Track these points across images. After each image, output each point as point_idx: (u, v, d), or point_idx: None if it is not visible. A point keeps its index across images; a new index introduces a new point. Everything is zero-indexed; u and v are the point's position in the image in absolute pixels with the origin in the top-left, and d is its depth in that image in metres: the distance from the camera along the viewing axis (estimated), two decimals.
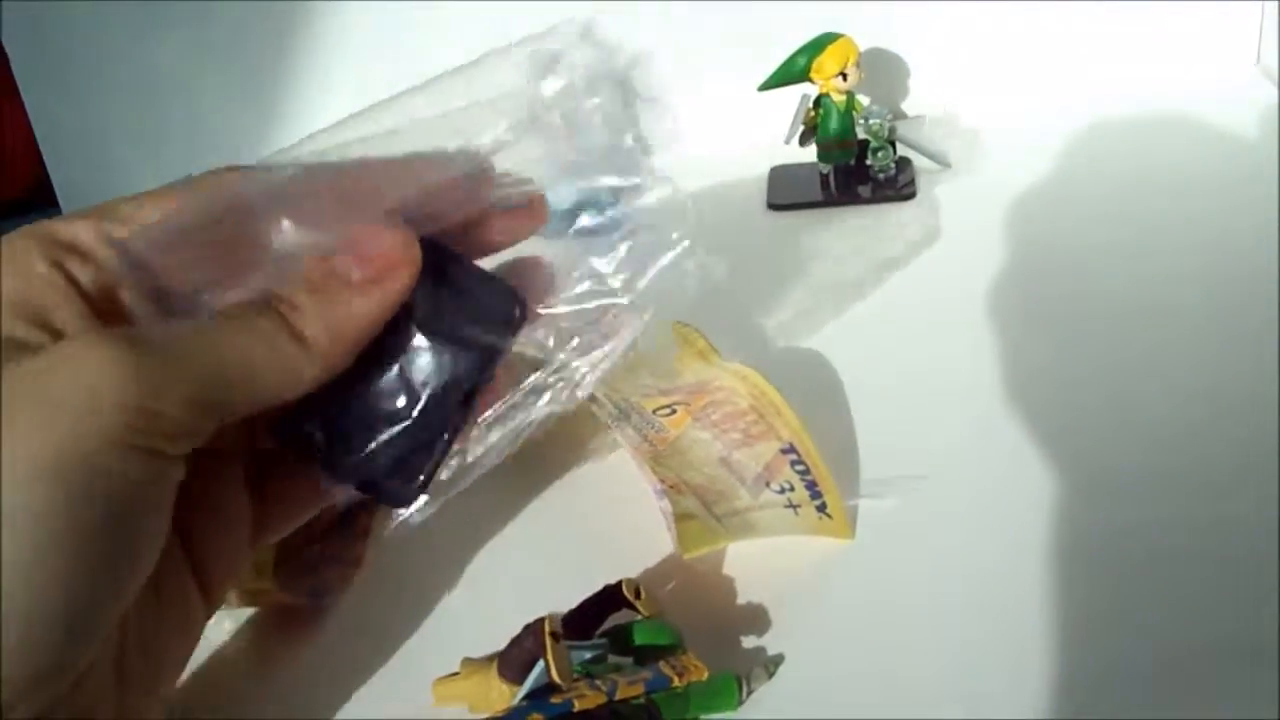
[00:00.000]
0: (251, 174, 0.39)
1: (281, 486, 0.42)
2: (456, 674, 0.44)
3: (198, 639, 0.41)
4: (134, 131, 0.88)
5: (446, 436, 0.38)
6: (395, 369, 0.37)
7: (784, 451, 0.51)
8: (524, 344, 0.39)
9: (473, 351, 0.37)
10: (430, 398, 0.37)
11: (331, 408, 0.37)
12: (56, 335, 0.35)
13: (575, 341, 0.40)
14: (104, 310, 0.36)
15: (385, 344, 0.37)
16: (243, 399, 0.35)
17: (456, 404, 0.38)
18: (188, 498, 0.36)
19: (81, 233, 0.36)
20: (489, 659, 0.43)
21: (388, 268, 0.37)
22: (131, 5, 0.84)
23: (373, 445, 0.37)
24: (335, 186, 0.38)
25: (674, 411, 0.53)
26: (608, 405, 0.53)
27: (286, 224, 0.36)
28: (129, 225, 0.37)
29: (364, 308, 0.36)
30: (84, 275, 0.36)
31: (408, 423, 0.37)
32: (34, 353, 0.33)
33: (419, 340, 0.37)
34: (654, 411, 0.53)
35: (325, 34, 0.85)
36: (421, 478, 0.38)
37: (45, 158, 0.90)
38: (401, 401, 0.37)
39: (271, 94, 0.87)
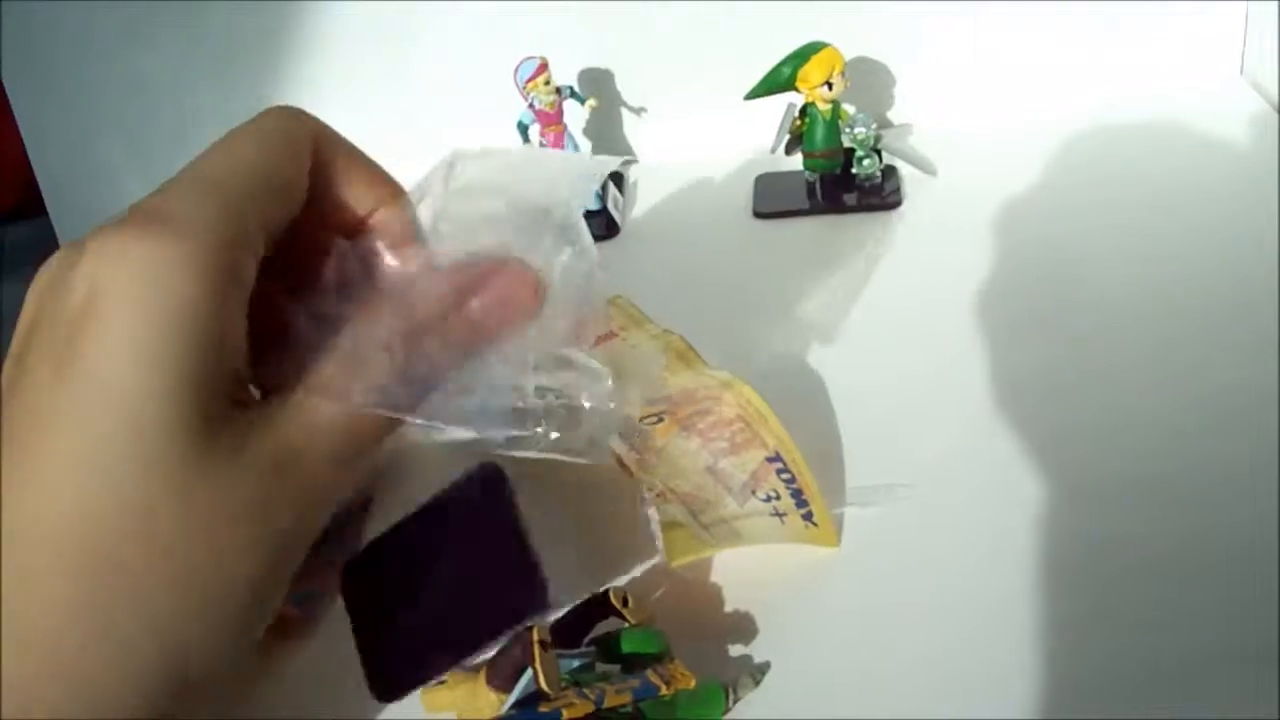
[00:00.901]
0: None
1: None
2: (444, 682, 0.44)
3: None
4: (123, 136, 0.88)
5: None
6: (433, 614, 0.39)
7: (770, 460, 0.51)
8: None
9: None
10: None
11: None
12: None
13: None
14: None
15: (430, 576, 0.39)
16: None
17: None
18: None
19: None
20: (477, 668, 0.43)
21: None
22: (119, 8, 0.84)
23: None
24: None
25: (660, 420, 0.53)
26: None
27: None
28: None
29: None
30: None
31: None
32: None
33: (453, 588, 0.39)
34: (641, 420, 0.53)
35: (315, 36, 0.85)
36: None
37: (34, 164, 0.90)
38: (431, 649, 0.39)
39: (261, 98, 0.87)
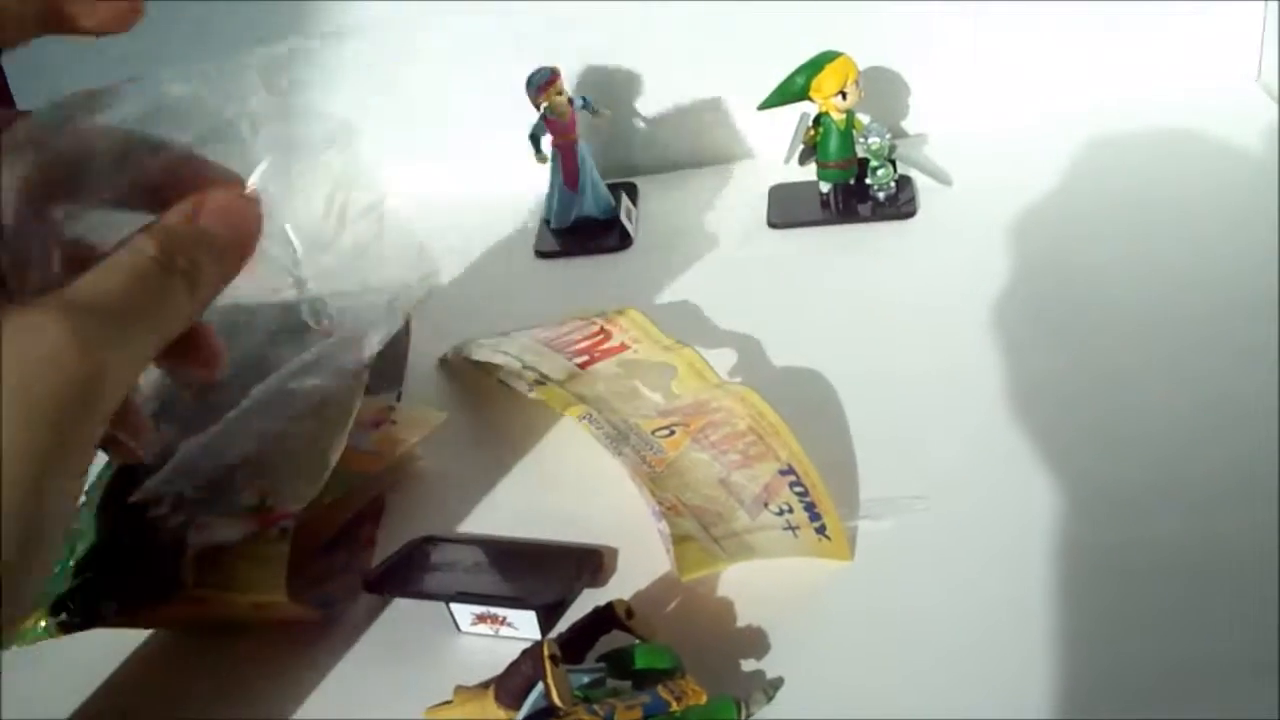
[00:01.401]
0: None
1: None
2: (449, 702, 0.43)
3: None
4: None
5: None
6: None
7: (783, 473, 0.51)
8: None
9: None
10: None
11: None
12: None
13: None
14: None
15: None
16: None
17: None
18: None
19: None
20: (484, 685, 0.43)
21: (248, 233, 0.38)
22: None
23: None
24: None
25: (672, 433, 0.53)
26: (606, 426, 0.53)
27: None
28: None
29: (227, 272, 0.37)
30: None
31: None
32: None
33: None
34: (652, 433, 0.53)
35: (325, 63, 0.85)
36: None
37: None
38: None
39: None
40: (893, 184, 0.75)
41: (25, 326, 0.33)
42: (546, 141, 0.77)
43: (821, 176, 0.75)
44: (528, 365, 0.59)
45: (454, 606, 0.49)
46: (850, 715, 0.43)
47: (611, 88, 0.83)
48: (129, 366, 0.34)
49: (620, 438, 0.52)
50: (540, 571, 0.51)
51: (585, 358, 0.59)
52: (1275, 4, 0.77)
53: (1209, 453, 0.52)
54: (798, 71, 0.73)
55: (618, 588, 0.51)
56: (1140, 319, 0.61)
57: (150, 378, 0.39)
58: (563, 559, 0.52)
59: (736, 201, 0.78)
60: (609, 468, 0.53)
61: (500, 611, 0.49)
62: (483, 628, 0.49)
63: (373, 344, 0.40)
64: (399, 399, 0.65)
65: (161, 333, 0.35)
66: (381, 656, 0.50)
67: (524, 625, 0.49)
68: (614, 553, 0.53)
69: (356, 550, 0.56)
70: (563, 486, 0.57)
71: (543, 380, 0.57)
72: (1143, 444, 0.53)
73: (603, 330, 0.61)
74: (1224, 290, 0.62)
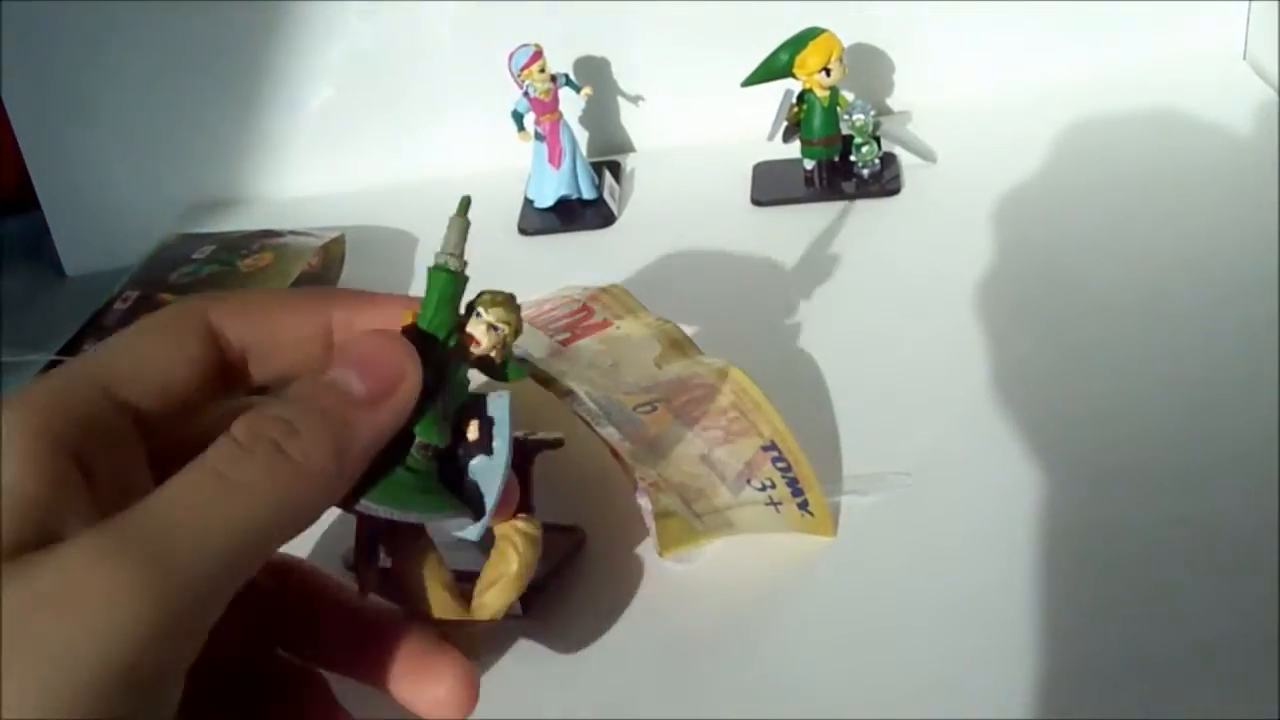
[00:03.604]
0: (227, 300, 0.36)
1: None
2: None
3: None
4: (115, 131, 0.87)
5: None
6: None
7: (765, 449, 0.51)
8: None
9: None
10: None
11: None
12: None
13: None
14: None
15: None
16: (241, 567, 0.30)
17: None
18: None
19: (90, 400, 0.32)
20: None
21: (395, 378, 0.33)
22: (115, 7, 0.83)
23: None
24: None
25: (654, 409, 0.53)
26: (588, 402, 0.52)
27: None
28: (129, 381, 0.33)
29: (372, 425, 0.32)
30: (93, 452, 0.31)
31: None
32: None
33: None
34: (634, 409, 0.53)
35: (308, 31, 0.84)
36: None
37: (26, 158, 0.89)
38: None
39: (252, 88, 0.86)
40: (877, 161, 0.74)
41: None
42: (530, 120, 0.76)
43: (805, 154, 0.75)
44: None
45: None
46: (833, 689, 0.43)
47: (594, 65, 0.83)
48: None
49: (602, 414, 0.52)
50: None
51: (567, 334, 0.59)
52: None
53: (1199, 433, 0.52)
54: (781, 48, 0.73)
55: (598, 565, 0.51)
56: (1127, 297, 0.61)
57: None
58: (543, 537, 0.52)
59: (720, 179, 0.78)
60: (591, 445, 0.53)
61: None
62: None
63: None
64: None
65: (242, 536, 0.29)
66: None
67: None
68: (595, 530, 0.52)
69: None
70: (544, 464, 0.57)
71: (525, 357, 0.56)
72: (1130, 423, 0.53)
73: (585, 307, 0.61)
74: (1212, 268, 0.62)
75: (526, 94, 0.75)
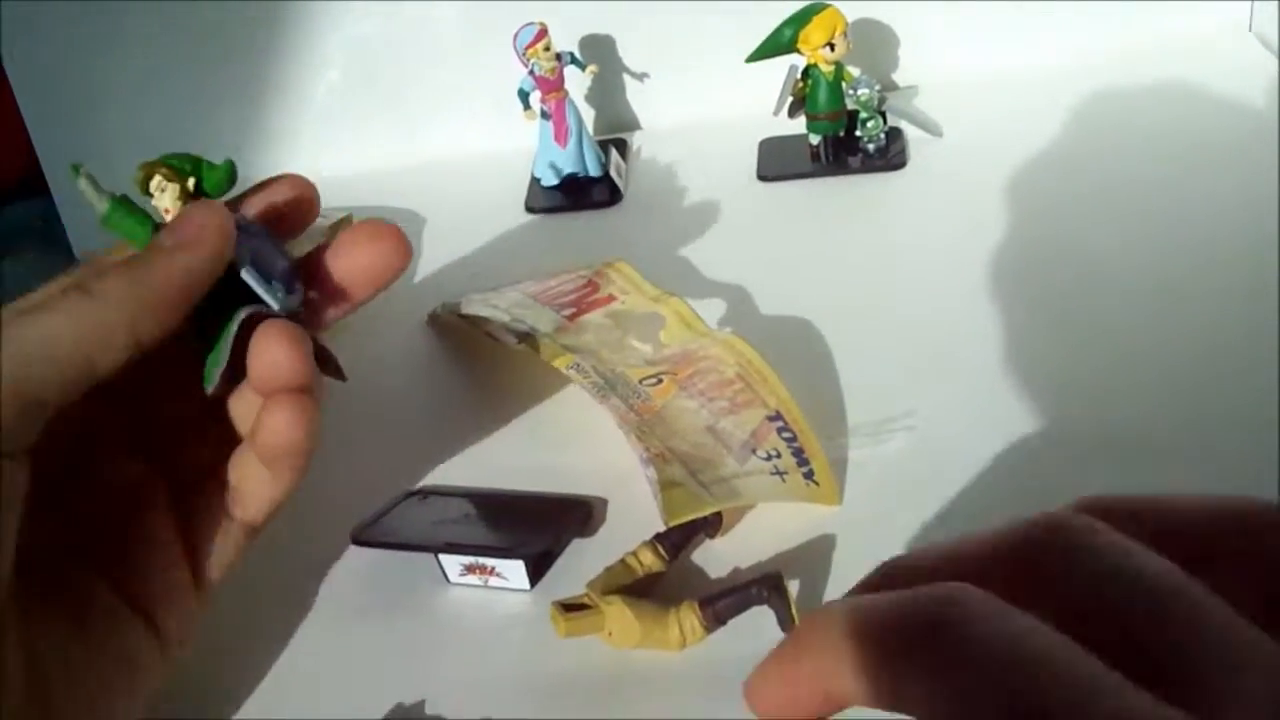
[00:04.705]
0: None
1: (210, 525, 0.44)
2: (585, 605, 0.45)
3: (156, 676, 0.43)
4: (125, 119, 0.88)
5: None
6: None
7: (770, 419, 0.51)
8: None
9: None
10: None
11: None
12: None
13: None
14: None
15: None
16: (56, 380, 0.37)
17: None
18: (115, 544, 0.39)
19: None
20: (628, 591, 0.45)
21: (198, 234, 0.40)
22: (121, 4, 0.84)
23: None
24: None
25: (660, 381, 0.53)
26: (593, 376, 0.53)
27: None
28: None
29: (171, 269, 0.39)
30: None
31: None
32: None
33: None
34: (640, 381, 0.53)
35: (313, 20, 0.84)
36: None
37: (35, 142, 0.89)
38: None
39: (259, 71, 0.86)
40: (883, 136, 0.74)
41: None
42: (535, 98, 0.76)
43: (811, 129, 0.75)
44: (516, 318, 0.59)
45: (442, 558, 0.49)
46: None
47: (599, 43, 0.83)
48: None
49: (608, 387, 0.52)
50: (529, 522, 0.51)
51: (573, 309, 0.59)
52: None
53: (1207, 407, 0.52)
54: (786, 23, 0.73)
55: (606, 537, 0.51)
56: (1134, 271, 0.61)
57: None
58: (551, 510, 0.52)
59: (726, 155, 0.78)
60: (597, 418, 0.53)
61: (489, 562, 0.49)
62: (471, 578, 0.49)
63: None
64: None
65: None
66: (369, 608, 0.50)
67: (513, 575, 0.49)
68: (603, 503, 0.53)
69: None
70: (551, 438, 0.57)
71: (531, 332, 0.57)
72: (1140, 393, 0.53)
73: (591, 283, 0.61)
74: (1223, 243, 0.61)
75: (532, 72, 0.75)
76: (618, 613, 0.44)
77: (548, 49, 0.74)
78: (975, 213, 0.67)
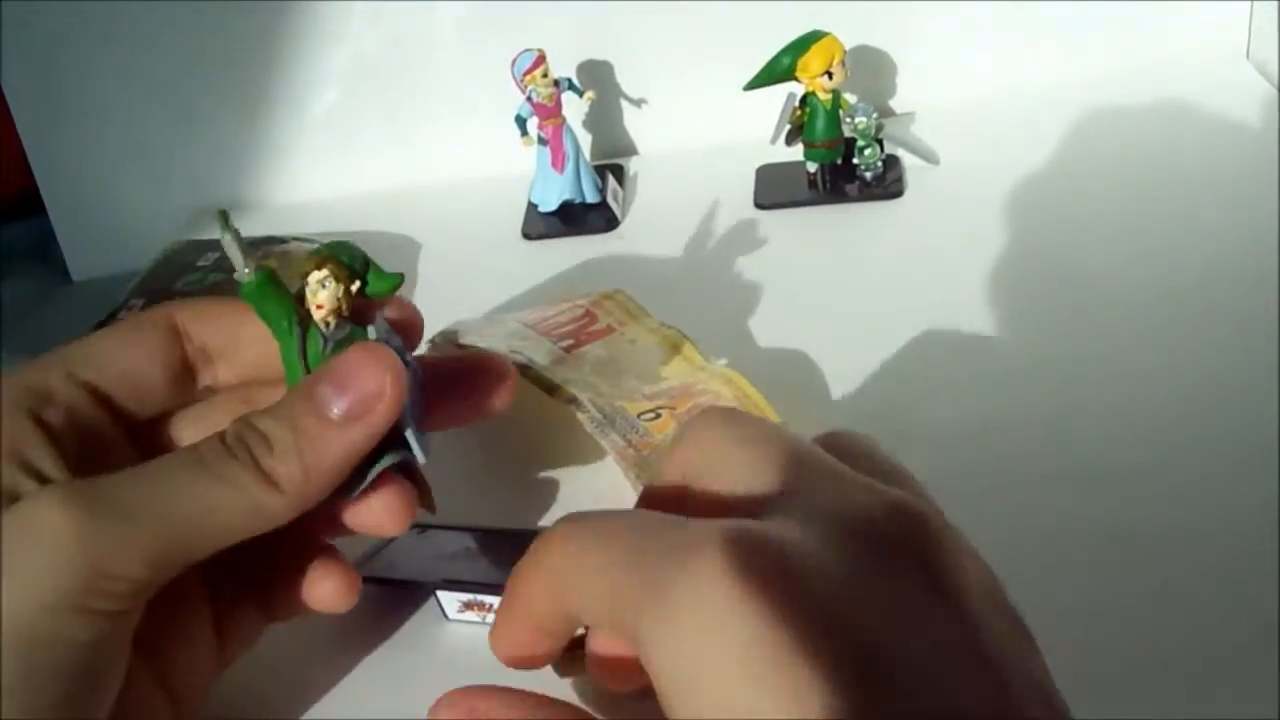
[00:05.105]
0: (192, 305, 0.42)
1: (241, 605, 0.44)
2: None
3: None
4: (122, 135, 0.88)
5: None
6: None
7: None
8: None
9: None
10: None
11: None
12: (41, 479, 0.36)
13: None
14: (81, 450, 0.38)
15: None
16: (203, 547, 0.35)
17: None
18: (152, 620, 0.37)
19: (52, 379, 0.38)
20: None
21: (371, 406, 0.36)
22: (119, 7, 0.84)
23: None
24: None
25: (658, 415, 0.53)
26: (592, 410, 0.53)
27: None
28: (93, 367, 0.39)
29: (343, 445, 0.36)
30: (56, 419, 0.38)
31: None
32: (15, 500, 0.35)
33: None
34: (638, 416, 0.53)
35: (312, 34, 0.84)
36: None
37: (31, 162, 0.89)
38: None
39: (257, 93, 0.86)
40: (880, 163, 0.74)
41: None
42: (533, 124, 0.76)
43: (808, 156, 0.75)
44: (514, 349, 0.59)
45: (440, 594, 0.49)
46: None
47: (597, 69, 0.83)
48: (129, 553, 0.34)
49: (606, 422, 0.52)
50: None
51: (571, 341, 0.59)
52: None
53: (1206, 430, 0.52)
54: (784, 51, 0.73)
55: None
56: (1133, 296, 0.61)
57: None
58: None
59: (723, 182, 0.78)
60: (595, 453, 0.53)
61: (488, 599, 0.48)
62: (470, 615, 0.49)
63: None
64: None
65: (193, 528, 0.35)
66: (367, 644, 0.50)
67: None
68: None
69: None
70: (549, 472, 0.57)
71: (529, 364, 0.57)
72: (1138, 421, 0.53)
73: (588, 313, 0.61)
74: (1219, 267, 0.62)
75: (529, 99, 0.75)
76: None
77: (546, 75, 0.74)
78: (973, 240, 0.67)
